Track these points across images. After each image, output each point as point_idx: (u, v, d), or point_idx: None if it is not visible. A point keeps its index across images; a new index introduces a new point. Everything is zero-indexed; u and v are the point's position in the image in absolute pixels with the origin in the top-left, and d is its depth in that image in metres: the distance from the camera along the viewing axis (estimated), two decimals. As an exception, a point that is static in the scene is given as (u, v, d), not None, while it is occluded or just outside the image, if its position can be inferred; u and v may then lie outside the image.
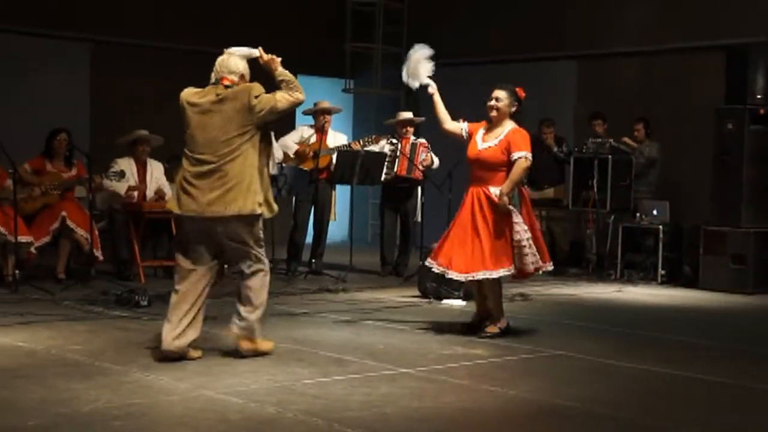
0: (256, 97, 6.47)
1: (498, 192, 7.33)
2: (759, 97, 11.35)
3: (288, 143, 10.98)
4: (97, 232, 9.97)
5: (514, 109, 7.52)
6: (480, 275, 7.37)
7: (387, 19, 14.97)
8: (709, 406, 5.85)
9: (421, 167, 11.06)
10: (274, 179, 10.09)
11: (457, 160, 10.92)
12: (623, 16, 13.49)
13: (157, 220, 10.44)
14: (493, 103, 7.51)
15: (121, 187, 10.24)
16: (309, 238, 11.31)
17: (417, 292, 9.79)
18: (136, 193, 10.32)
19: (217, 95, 6.50)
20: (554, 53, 14.08)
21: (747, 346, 7.86)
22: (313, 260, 11.13)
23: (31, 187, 9.73)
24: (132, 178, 10.37)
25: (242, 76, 6.68)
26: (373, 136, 11.14)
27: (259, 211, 6.44)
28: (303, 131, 11.12)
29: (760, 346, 7.86)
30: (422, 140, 11.34)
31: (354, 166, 10.59)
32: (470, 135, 7.63)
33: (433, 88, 7.66)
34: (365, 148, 10.83)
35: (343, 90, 15.08)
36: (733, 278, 11.05)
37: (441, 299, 9.46)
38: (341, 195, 12.18)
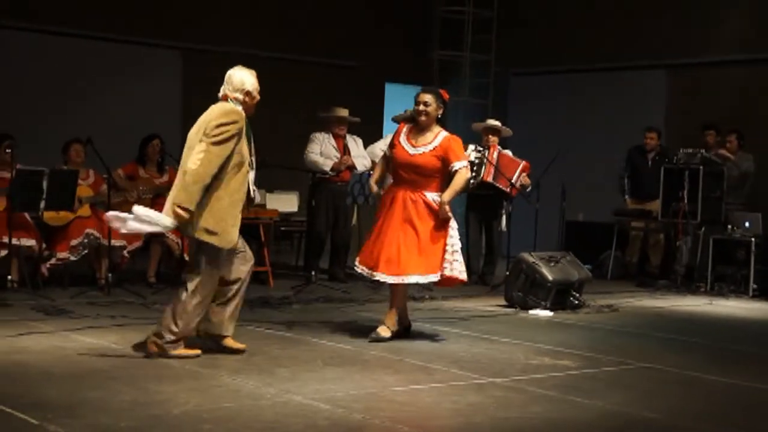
0: (216, 127, 6.42)
1: (437, 199, 7.29)
2: None
3: (376, 151, 11.04)
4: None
5: (440, 111, 7.45)
6: (412, 279, 7.29)
7: (475, 26, 14.95)
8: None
9: (518, 185, 10.97)
10: (362, 187, 10.15)
11: (543, 169, 10.92)
12: (716, 26, 13.31)
13: (246, 225, 10.52)
14: (421, 108, 7.40)
15: None
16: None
17: (503, 302, 9.76)
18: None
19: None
20: (644, 62, 13.94)
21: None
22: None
23: (125, 193, 9.92)
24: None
25: (247, 93, 6.71)
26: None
27: (203, 238, 6.45)
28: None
29: None
30: (524, 162, 11.15)
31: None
32: (392, 145, 7.56)
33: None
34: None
35: (430, 98, 15.10)
36: (827, 292, 10.82)
37: (528, 309, 9.42)
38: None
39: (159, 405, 5.27)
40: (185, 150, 6.63)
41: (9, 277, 9.22)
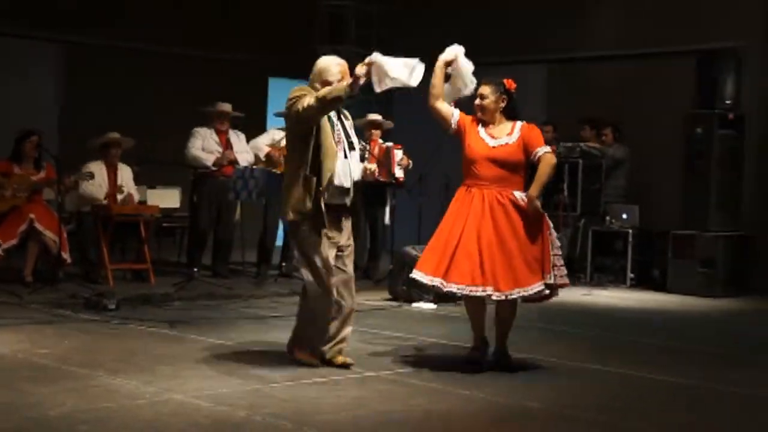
0: (287, 101, 6.34)
1: (523, 196, 6.49)
2: (728, 102, 11.44)
3: (259, 145, 10.96)
4: (65, 235, 9.90)
5: (503, 103, 6.70)
6: (515, 293, 6.40)
7: (358, 21, 14.96)
8: (677, 408, 5.88)
9: (399, 167, 11.00)
10: (245, 182, 10.08)
11: (427, 161, 10.96)
12: (594, 21, 13.54)
13: (126, 222, 10.38)
14: (477, 102, 6.73)
15: (99, 193, 10.20)
16: (279, 241, 11.28)
17: (388, 296, 9.79)
18: (122, 196, 10.33)
19: None
20: (525, 57, 14.11)
21: (715, 349, 7.91)
22: (284, 263, 11.11)
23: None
24: (103, 182, 10.31)
25: (326, 83, 6.44)
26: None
27: (291, 217, 6.30)
28: (274, 134, 11.09)
29: (728, 350, 7.91)
30: (391, 144, 11.26)
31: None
32: (460, 127, 6.76)
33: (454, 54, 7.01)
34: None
35: (314, 92, 15.05)
36: (701, 282, 11.13)
37: (411, 302, 9.47)
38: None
39: (34, 407, 5.15)
40: None
41: None
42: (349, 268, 6.50)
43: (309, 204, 6.22)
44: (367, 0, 14.93)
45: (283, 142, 10.81)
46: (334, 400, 5.58)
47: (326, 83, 6.40)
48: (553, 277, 6.46)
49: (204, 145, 10.76)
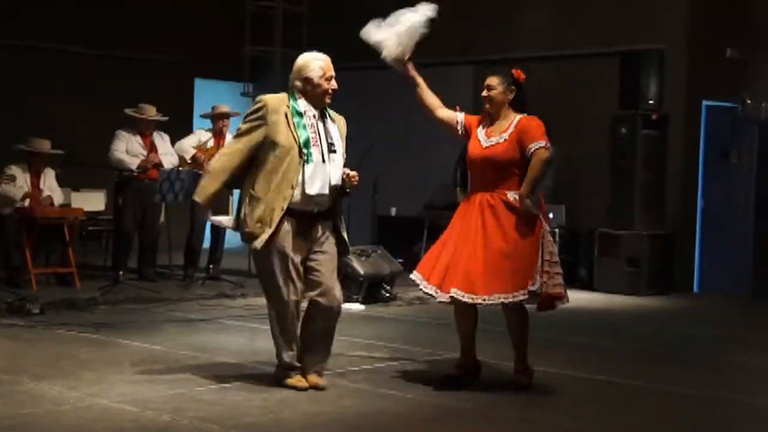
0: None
1: (515, 196, 6.07)
2: (651, 102, 11.62)
3: (185, 147, 10.85)
4: (-13, 239, 9.72)
5: (511, 95, 6.32)
6: (495, 298, 5.97)
7: (286, 21, 14.90)
8: (606, 405, 5.94)
9: None
10: (170, 184, 9.98)
11: (358, 161, 10.95)
12: (519, 23, 13.64)
13: (51, 226, 10.20)
14: (484, 93, 6.36)
15: (17, 193, 10.01)
16: (206, 243, 11.19)
17: (316, 297, 9.75)
18: (27, 201, 10.08)
19: None
20: (452, 58, 14.18)
21: (641, 346, 8.02)
22: (211, 265, 11.02)
23: None
24: (25, 185, 10.12)
25: (306, 80, 6.04)
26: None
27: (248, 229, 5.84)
28: (201, 135, 11.00)
29: (654, 347, 8.02)
30: None
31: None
32: (467, 130, 6.44)
33: (413, 69, 6.68)
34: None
35: (242, 94, 14.93)
36: (626, 280, 11.28)
37: (339, 303, 9.44)
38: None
39: (-45, 414, 5.05)
40: None
41: None
42: (324, 278, 5.96)
43: (265, 216, 5.76)
44: (296, 0, 14.88)
45: (210, 143, 10.80)
46: (260, 402, 5.55)
47: (307, 81, 5.99)
48: (540, 286, 5.99)
49: (128, 148, 10.62)
